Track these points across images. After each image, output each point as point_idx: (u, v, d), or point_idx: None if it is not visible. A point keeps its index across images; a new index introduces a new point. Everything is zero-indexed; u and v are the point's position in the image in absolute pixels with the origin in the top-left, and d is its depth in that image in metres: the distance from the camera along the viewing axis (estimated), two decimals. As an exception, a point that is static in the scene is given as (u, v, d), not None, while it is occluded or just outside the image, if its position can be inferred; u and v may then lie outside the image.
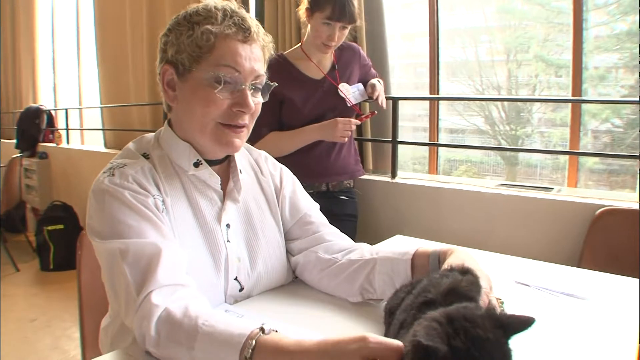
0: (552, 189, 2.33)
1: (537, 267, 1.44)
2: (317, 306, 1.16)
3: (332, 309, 1.15)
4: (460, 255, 1.01)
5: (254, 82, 1.08)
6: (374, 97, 2.29)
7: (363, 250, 1.18)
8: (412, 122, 3.56)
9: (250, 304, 1.15)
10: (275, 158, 1.36)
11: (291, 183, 1.30)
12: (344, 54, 2.32)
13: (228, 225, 1.13)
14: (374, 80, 2.37)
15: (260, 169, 1.27)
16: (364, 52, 2.45)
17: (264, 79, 1.10)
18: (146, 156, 1.11)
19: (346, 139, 2.20)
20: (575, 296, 1.23)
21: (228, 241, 1.12)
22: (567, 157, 2.62)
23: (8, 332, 3.09)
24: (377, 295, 1.12)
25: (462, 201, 2.38)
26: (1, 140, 6.27)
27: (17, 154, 4.97)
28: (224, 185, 1.15)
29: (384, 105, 2.35)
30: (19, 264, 4.33)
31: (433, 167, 3.05)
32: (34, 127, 5.60)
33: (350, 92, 2.29)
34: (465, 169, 3.45)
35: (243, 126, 1.09)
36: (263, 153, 1.33)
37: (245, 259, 1.15)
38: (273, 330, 0.78)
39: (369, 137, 2.91)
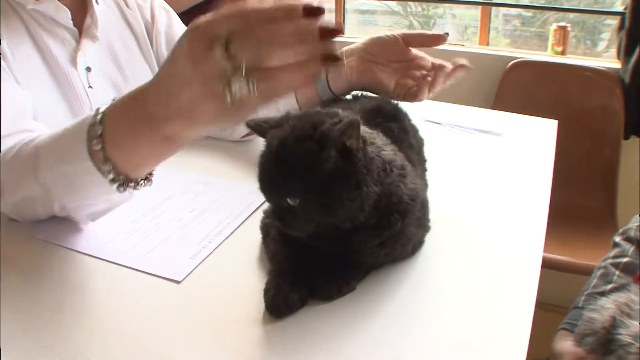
0: (464, 45, 2.27)
1: (447, 107, 1.35)
2: (203, 151, 1.03)
3: (222, 152, 1.03)
4: None
5: None
6: None
7: None
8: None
9: None
10: None
11: (165, 15, 1.10)
12: None
13: (88, 69, 0.95)
14: None
15: (125, 1, 1.06)
16: None
17: None
18: None
19: None
20: (490, 132, 1.16)
21: (90, 87, 0.95)
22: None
23: None
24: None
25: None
26: None
27: None
28: (80, 22, 0.96)
29: None
30: None
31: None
32: None
33: None
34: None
35: None
36: None
37: None
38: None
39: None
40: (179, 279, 0.61)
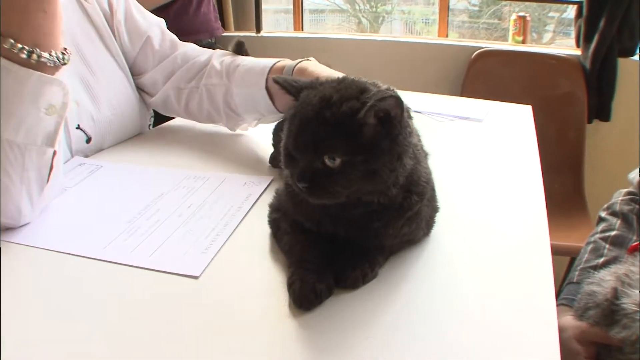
0: (427, 36, 2.31)
1: (425, 96, 1.37)
2: (189, 149, 1.00)
3: (208, 147, 1.00)
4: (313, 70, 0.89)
5: None
6: None
7: (216, 69, 1.02)
8: None
9: (107, 155, 0.97)
10: None
11: (122, 4, 1.06)
12: None
13: None
14: None
15: None
16: None
17: None
18: None
19: None
20: (470, 119, 1.17)
21: None
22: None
23: None
24: (245, 119, 1.03)
25: (335, 51, 2.27)
26: None
27: None
28: None
29: None
30: None
31: (298, 24, 2.84)
32: None
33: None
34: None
35: None
36: None
37: (84, 101, 0.95)
38: None
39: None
40: (197, 274, 0.58)
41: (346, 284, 0.56)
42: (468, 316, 0.53)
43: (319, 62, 0.91)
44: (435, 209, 0.67)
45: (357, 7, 3.33)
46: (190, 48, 1.08)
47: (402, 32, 3.16)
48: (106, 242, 0.65)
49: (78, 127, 0.92)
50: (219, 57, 1.03)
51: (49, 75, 0.64)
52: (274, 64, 0.93)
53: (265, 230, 0.66)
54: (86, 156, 0.95)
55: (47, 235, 0.67)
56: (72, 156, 0.92)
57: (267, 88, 0.91)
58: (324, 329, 0.50)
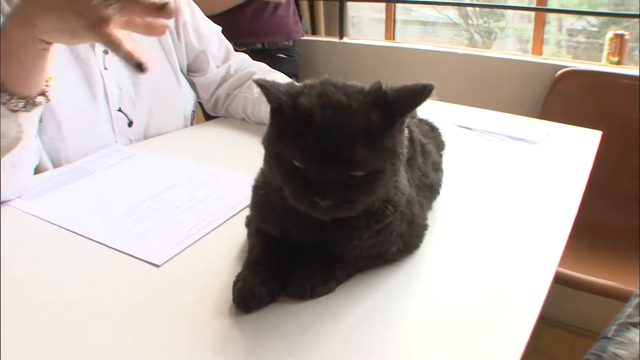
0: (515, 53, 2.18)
1: (482, 113, 1.29)
2: (225, 146, 1.05)
3: (243, 147, 1.04)
4: None
5: None
6: None
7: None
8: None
9: (146, 144, 1.03)
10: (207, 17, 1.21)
11: (188, 9, 1.15)
12: None
13: (106, 51, 0.99)
14: None
15: None
16: None
17: None
18: None
19: None
20: (524, 140, 1.08)
21: (105, 69, 0.98)
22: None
23: None
24: None
25: (417, 61, 2.22)
26: None
27: None
28: None
29: None
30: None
31: (390, 33, 2.81)
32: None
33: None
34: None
35: None
36: None
37: (127, 86, 1.03)
38: None
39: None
40: (159, 263, 0.60)
41: (293, 293, 0.54)
42: (420, 351, 0.49)
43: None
44: (419, 226, 0.62)
45: (470, 22, 3.27)
46: (241, 58, 1.22)
47: (514, 48, 3.06)
48: (102, 222, 0.69)
49: (119, 110, 1.00)
50: (264, 74, 1.18)
51: (6, 111, 0.67)
52: None
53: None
54: (130, 141, 1.03)
55: (54, 209, 0.72)
56: (115, 137, 1.00)
57: None
58: (253, 334, 0.49)
